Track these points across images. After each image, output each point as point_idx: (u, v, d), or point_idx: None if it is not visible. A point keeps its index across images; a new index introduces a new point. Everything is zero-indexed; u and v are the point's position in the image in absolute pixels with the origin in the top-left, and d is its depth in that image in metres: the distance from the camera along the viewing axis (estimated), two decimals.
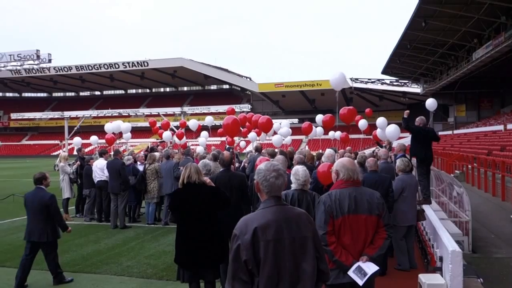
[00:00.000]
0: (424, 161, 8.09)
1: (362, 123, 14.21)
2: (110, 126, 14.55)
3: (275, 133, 14.34)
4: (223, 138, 15.16)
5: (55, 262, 6.17)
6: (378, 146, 12.13)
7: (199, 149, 14.23)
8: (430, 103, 10.84)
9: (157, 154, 11.32)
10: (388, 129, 9.88)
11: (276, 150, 10.15)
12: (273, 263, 2.40)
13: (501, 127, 30.64)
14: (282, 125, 14.68)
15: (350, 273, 3.34)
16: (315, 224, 2.61)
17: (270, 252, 2.39)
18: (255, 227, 2.41)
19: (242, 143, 18.58)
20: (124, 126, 14.63)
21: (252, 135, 13.50)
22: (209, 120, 17.77)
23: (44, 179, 6.22)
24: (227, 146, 14.49)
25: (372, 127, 13.24)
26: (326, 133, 15.33)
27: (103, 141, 15.38)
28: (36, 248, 6.10)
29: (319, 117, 13.33)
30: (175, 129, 18.48)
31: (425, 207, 7.36)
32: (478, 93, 45.85)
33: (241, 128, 12.33)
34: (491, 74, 37.95)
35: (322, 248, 2.63)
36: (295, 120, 58.67)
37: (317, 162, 8.88)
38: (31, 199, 6.09)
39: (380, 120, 11.38)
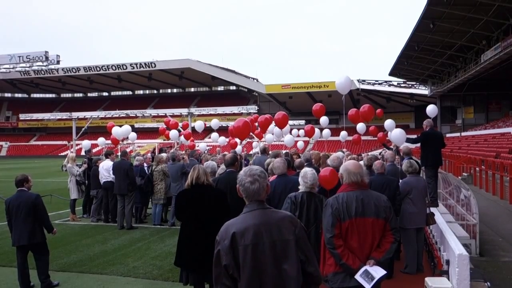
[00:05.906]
0: (434, 164, 8.04)
1: (361, 126, 13.20)
2: (117, 131, 14.47)
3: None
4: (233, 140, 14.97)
5: (48, 265, 6.09)
6: (385, 148, 12.03)
7: (202, 147, 14.32)
8: (431, 109, 10.66)
9: (164, 155, 11.38)
10: (393, 134, 8.71)
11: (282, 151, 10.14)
12: (253, 268, 2.39)
13: (509, 130, 30.41)
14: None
15: (357, 277, 3.32)
16: (300, 227, 2.54)
17: (249, 257, 2.38)
18: (233, 232, 2.41)
19: (255, 144, 18.24)
20: (121, 130, 14.30)
21: (268, 136, 13.48)
22: (214, 123, 17.01)
23: (26, 182, 6.05)
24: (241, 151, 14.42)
25: (379, 129, 13.07)
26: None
27: (110, 142, 15.48)
28: (26, 251, 5.99)
29: (324, 119, 13.22)
30: (182, 129, 18.41)
31: (432, 210, 7.33)
32: (486, 95, 45.53)
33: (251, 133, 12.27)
34: (499, 76, 37.66)
35: (310, 251, 2.55)
36: (302, 122, 58.68)
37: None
38: (16, 203, 5.87)
39: (388, 122, 11.09)
